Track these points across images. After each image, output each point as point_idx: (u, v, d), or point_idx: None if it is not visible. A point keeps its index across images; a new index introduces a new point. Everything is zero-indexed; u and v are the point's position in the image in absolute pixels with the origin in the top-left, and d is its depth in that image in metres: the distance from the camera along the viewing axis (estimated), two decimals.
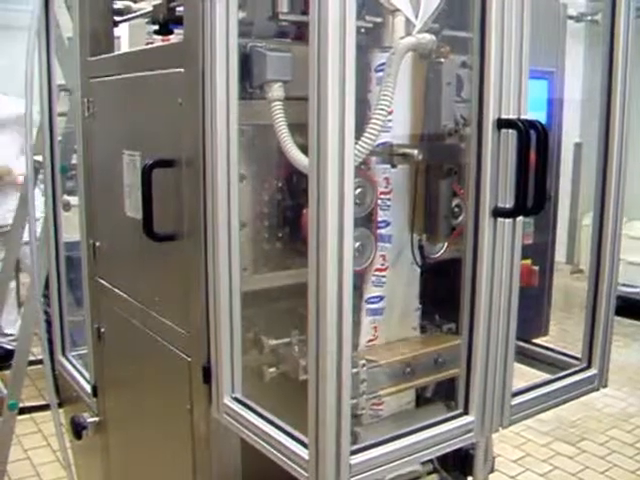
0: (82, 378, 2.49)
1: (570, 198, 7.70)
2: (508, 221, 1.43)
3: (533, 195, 1.41)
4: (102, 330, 2.20)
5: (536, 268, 1.96)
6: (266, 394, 1.58)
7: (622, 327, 5.97)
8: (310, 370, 1.25)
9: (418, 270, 1.72)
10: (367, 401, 1.54)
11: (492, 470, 2.09)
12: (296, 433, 1.36)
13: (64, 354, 2.67)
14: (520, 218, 1.45)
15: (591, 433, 4.59)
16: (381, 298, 1.65)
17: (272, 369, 1.60)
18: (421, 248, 1.67)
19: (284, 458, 1.36)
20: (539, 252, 2.02)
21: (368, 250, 1.58)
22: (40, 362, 4.21)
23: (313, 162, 1.21)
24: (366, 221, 1.59)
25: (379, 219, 1.61)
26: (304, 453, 1.30)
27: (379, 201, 1.60)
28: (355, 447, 1.31)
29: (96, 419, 2.36)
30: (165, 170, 1.64)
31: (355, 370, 1.51)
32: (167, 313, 1.74)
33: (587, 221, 7.96)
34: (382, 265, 1.65)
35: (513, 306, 1.48)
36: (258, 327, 1.61)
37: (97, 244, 2.16)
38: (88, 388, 2.38)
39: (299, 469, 1.32)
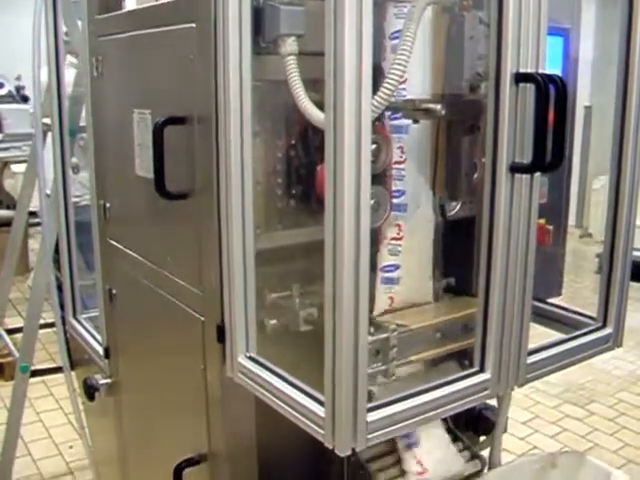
0: (94, 340, 2.49)
1: (579, 162, 7.65)
2: (525, 177, 1.41)
3: (551, 150, 1.39)
4: (114, 292, 2.19)
5: (550, 227, 1.94)
6: (279, 353, 1.57)
7: (632, 291, 5.93)
8: (327, 327, 1.24)
9: (433, 229, 1.70)
10: (397, 367, 1.53)
11: (505, 430, 2.09)
12: (312, 391, 1.35)
13: (75, 316, 2.68)
14: (537, 174, 1.43)
15: (600, 396, 4.60)
16: (397, 267, 1.64)
17: (281, 324, 1.59)
18: (442, 207, 1.65)
19: (299, 416, 1.35)
20: (553, 212, 1.99)
21: (382, 207, 1.56)
22: (50, 325, 4.26)
23: (329, 116, 1.19)
24: (381, 178, 1.56)
25: (394, 188, 1.59)
26: (320, 411, 1.30)
27: (394, 171, 1.58)
28: (371, 405, 1.30)
29: (108, 380, 2.36)
30: (176, 128, 1.62)
31: (385, 335, 1.50)
32: (180, 273, 1.73)
33: (597, 185, 7.92)
34: (397, 234, 1.64)
35: (530, 262, 1.47)
36: (271, 286, 1.60)
37: (107, 205, 2.15)
38: (100, 350, 2.38)
39: (315, 427, 1.32)
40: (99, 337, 2.42)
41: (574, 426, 4.22)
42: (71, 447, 3.96)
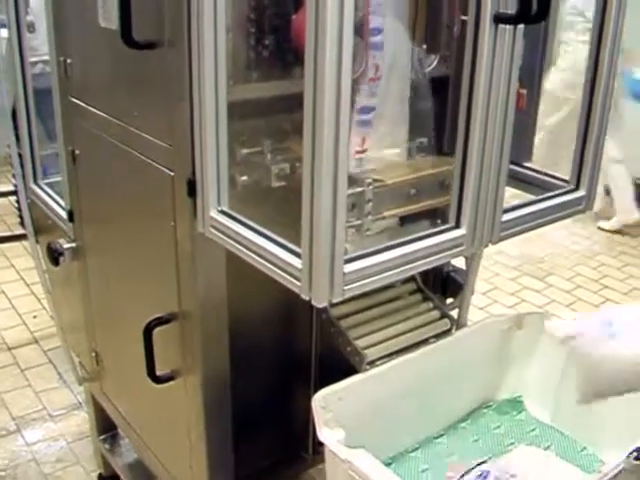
0: (56, 205, 2.44)
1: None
2: (509, 29, 1.36)
3: (537, 1, 1.33)
4: (77, 152, 2.12)
5: (524, 91, 1.91)
6: (251, 210, 1.53)
7: None
8: (305, 177, 1.21)
9: (409, 85, 1.66)
10: (372, 222, 1.52)
11: (473, 292, 2.12)
12: (287, 243, 1.33)
13: (36, 182, 2.62)
14: (521, 27, 1.39)
15: (558, 269, 4.70)
16: (373, 109, 1.59)
17: (253, 181, 1.55)
18: (419, 60, 1.60)
19: (275, 269, 1.33)
20: (527, 75, 1.96)
21: (359, 57, 1.51)
22: (6, 195, 4.19)
23: None
24: (357, 28, 1.50)
25: (371, 26, 1.52)
26: (297, 262, 1.28)
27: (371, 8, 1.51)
28: (348, 257, 1.29)
29: (73, 245, 2.33)
30: None
31: (361, 189, 1.48)
32: (148, 127, 1.67)
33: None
34: (375, 75, 1.58)
35: (509, 118, 1.44)
36: (242, 139, 1.55)
37: (68, 61, 2.05)
38: (63, 214, 2.34)
39: (291, 278, 1.30)
40: (62, 202, 2.37)
41: (532, 297, 4.32)
42: (35, 317, 3.96)
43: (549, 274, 4.63)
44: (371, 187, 1.47)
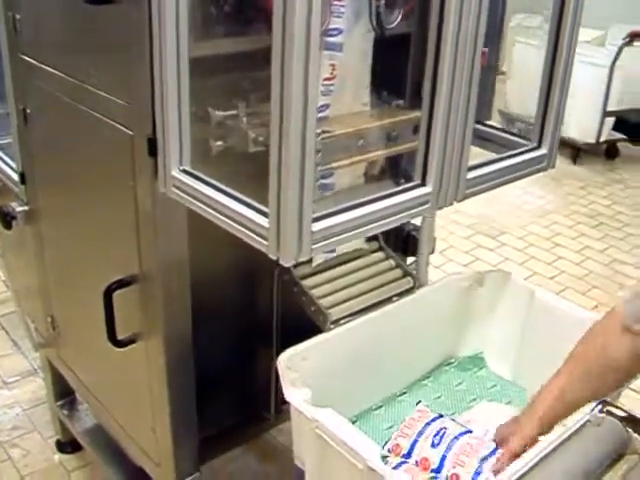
0: (8, 167, 2.38)
1: None
2: None
3: None
4: (28, 111, 2.06)
5: (485, 49, 1.90)
6: (214, 171, 1.50)
7: None
8: (273, 134, 1.18)
9: (372, 41, 1.64)
10: (321, 172, 1.50)
11: (433, 250, 2.12)
12: (253, 202, 1.31)
13: None
14: None
15: (511, 228, 4.75)
16: (327, 106, 1.59)
17: (219, 142, 1.52)
18: (378, 15, 1.58)
19: (241, 227, 1.31)
20: (487, 34, 1.95)
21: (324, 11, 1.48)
22: None
23: None
24: None
25: (331, 26, 1.52)
26: (264, 221, 1.26)
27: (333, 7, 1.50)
28: (315, 215, 1.27)
29: (26, 208, 2.27)
30: None
31: None
32: (104, 85, 1.61)
33: (513, 23, 7.86)
34: (331, 74, 1.58)
35: (475, 76, 1.43)
36: (204, 99, 1.51)
37: (17, 17, 1.97)
38: (15, 176, 2.27)
39: (258, 238, 1.28)
40: (13, 164, 2.31)
41: (486, 256, 4.37)
42: None
43: (502, 233, 4.67)
44: (320, 138, 1.45)
